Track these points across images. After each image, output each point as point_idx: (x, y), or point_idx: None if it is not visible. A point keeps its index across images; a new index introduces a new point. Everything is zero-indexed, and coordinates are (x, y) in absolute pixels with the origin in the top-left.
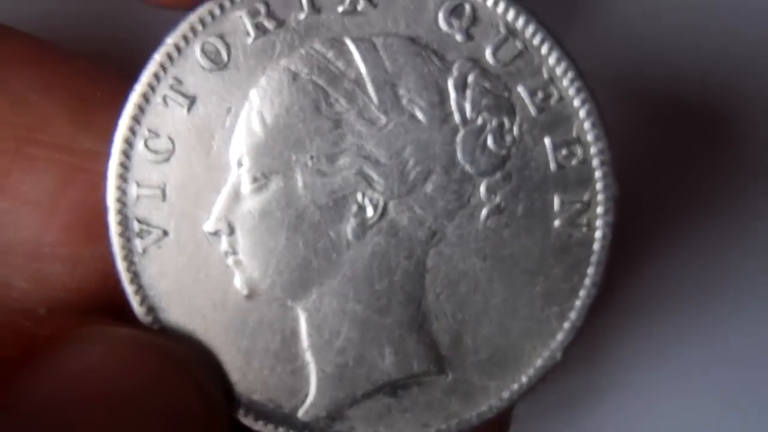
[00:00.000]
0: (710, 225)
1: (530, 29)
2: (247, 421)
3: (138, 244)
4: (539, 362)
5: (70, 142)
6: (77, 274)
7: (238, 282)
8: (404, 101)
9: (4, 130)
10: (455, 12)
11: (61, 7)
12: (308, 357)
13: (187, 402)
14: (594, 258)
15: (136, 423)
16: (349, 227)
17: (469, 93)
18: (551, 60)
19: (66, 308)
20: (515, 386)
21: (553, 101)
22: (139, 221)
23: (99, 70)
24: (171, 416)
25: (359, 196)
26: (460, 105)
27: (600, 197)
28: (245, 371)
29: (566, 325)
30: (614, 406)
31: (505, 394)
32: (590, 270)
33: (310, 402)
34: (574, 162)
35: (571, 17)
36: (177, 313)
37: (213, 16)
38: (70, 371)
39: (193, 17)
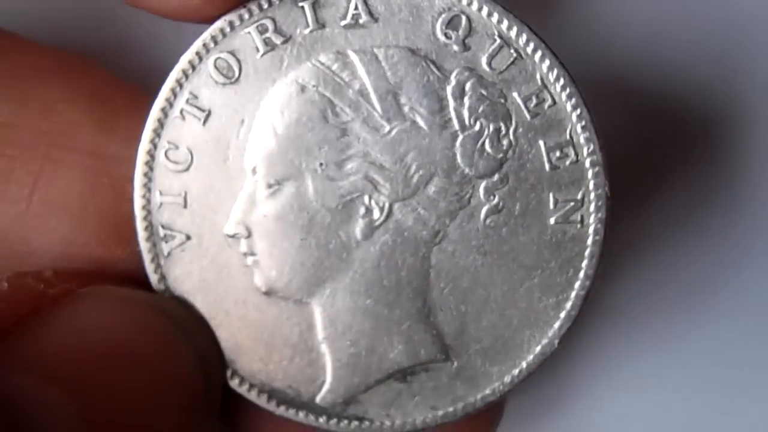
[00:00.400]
0: (698, 223)
1: (523, 38)
2: (269, 406)
3: (163, 247)
4: (538, 349)
5: (97, 148)
6: (106, 275)
7: (257, 280)
8: (406, 109)
9: (34, 137)
10: (452, 23)
11: (52, 9)
12: (324, 348)
13: (181, 357)
14: (587, 252)
15: (131, 375)
16: (358, 228)
17: (467, 100)
18: (544, 67)
19: (72, 271)
20: (516, 371)
21: (546, 106)
22: (163, 227)
23: (117, 78)
24: (165, 372)
25: (366, 199)
26: (458, 112)
27: (592, 195)
28: (267, 362)
29: (562, 314)
30: (603, 407)
31: (507, 379)
32: (584, 263)
33: (326, 389)
34: (567, 163)
35: (561, 19)
36: (202, 310)
37: (224, 34)
38: (72, 326)
39: (205, 35)
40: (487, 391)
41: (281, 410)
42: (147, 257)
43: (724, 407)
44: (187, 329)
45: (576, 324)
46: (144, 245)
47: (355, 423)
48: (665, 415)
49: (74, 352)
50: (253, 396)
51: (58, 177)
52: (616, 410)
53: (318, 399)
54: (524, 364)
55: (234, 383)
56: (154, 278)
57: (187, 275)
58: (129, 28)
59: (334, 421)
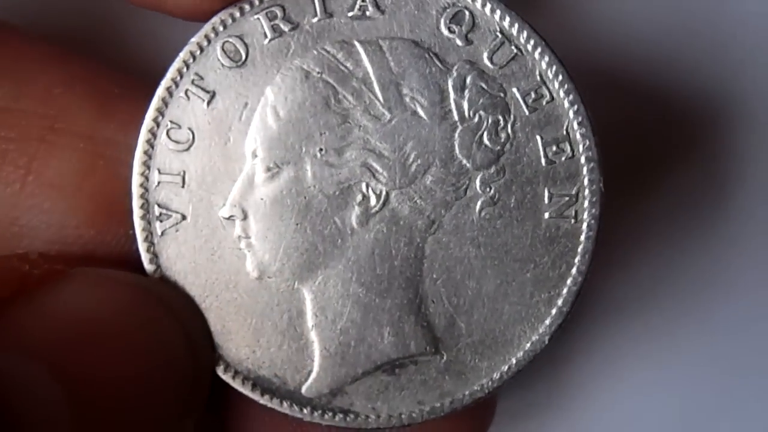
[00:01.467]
0: (694, 220)
1: (524, 35)
2: (254, 395)
3: (158, 226)
4: (528, 345)
5: (92, 132)
6: (97, 257)
7: (249, 264)
8: (407, 99)
9: (31, 120)
10: (455, 18)
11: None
12: (313, 336)
13: (169, 339)
14: (580, 248)
15: (116, 354)
16: (354, 215)
17: (467, 93)
18: (543, 63)
19: (59, 254)
20: (505, 367)
21: (544, 102)
22: (159, 205)
23: (114, 69)
24: (152, 351)
25: (364, 187)
26: (458, 104)
27: (587, 191)
28: (254, 348)
29: (554, 310)
30: (596, 406)
31: (496, 375)
32: (577, 259)
33: (313, 378)
34: (563, 158)
35: (561, 17)
36: (192, 292)
37: (233, 19)
38: (57, 306)
39: (215, 19)
40: (476, 387)
41: (265, 399)
42: (140, 236)
43: (720, 405)
44: (176, 310)
45: (567, 321)
46: (138, 223)
47: (340, 416)
48: (660, 413)
49: (59, 331)
50: (237, 384)
51: (53, 159)
52: (609, 410)
53: (304, 389)
54: (514, 360)
55: (219, 370)
56: (146, 257)
57: (180, 256)
58: (126, 22)
59: (318, 413)
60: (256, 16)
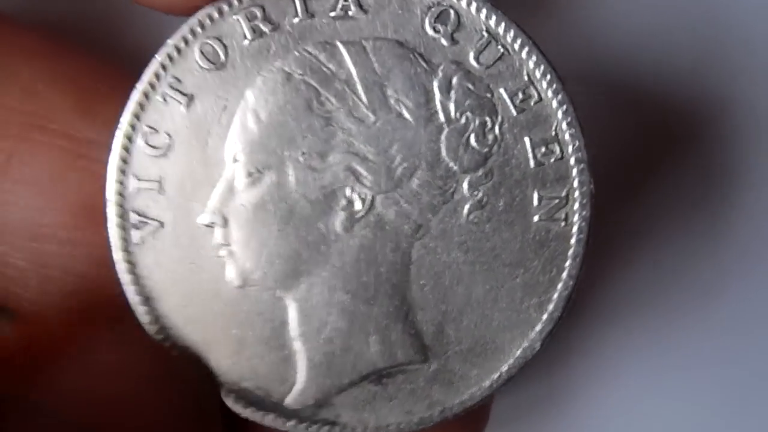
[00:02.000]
0: (686, 221)
1: (511, 34)
2: (236, 408)
3: (135, 235)
4: (519, 352)
5: (73, 131)
6: (74, 258)
7: (229, 273)
8: (392, 101)
9: (11, 116)
10: (441, 18)
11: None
12: (297, 346)
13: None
14: (571, 251)
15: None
16: (338, 220)
17: (453, 94)
18: (530, 63)
19: (58, 290)
20: (496, 375)
21: (532, 102)
22: (136, 213)
23: (103, 65)
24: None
25: (348, 191)
26: (444, 105)
27: (576, 193)
28: (236, 359)
29: (545, 316)
30: (593, 408)
31: (486, 383)
32: (567, 263)
33: (298, 390)
34: (552, 159)
35: (548, 15)
36: (171, 303)
37: (212, 19)
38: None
39: (192, 20)
40: (465, 396)
41: (248, 412)
42: (117, 244)
43: (717, 405)
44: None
45: (559, 326)
46: (114, 231)
47: (327, 428)
48: (656, 415)
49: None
50: (221, 396)
51: (31, 156)
52: (604, 412)
53: (288, 400)
54: (504, 368)
55: None
56: (122, 267)
57: (158, 265)
58: (117, 10)
59: (303, 425)
60: (235, 17)
